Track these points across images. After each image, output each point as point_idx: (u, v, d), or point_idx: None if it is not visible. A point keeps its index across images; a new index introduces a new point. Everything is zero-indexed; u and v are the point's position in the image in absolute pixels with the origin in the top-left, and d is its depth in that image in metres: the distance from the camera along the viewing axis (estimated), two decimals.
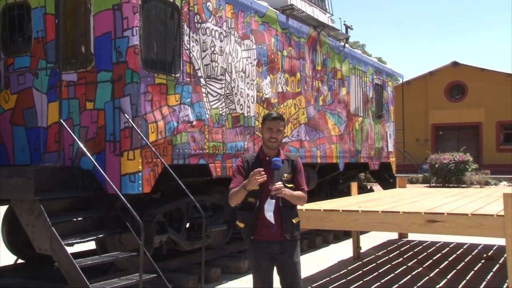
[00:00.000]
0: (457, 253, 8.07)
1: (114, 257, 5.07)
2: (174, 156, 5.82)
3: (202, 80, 6.35)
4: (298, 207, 3.81)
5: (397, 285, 6.10)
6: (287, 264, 3.67)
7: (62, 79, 5.17)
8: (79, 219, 5.10)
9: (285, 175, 3.66)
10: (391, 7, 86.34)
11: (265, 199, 3.55)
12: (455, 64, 29.85)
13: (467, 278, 6.37)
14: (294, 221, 3.68)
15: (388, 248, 8.52)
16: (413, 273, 6.67)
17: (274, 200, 3.51)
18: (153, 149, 5.38)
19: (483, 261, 7.38)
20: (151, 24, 5.66)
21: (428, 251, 8.20)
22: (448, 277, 6.45)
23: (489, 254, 7.78)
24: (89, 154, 5.04)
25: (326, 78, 9.54)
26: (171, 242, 6.27)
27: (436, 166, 21.18)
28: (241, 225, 3.73)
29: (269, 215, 3.51)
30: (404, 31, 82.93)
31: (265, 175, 3.43)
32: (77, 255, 5.78)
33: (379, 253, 8.09)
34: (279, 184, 3.48)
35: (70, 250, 4.65)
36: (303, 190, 3.72)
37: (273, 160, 3.57)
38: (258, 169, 3.45)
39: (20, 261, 6.57)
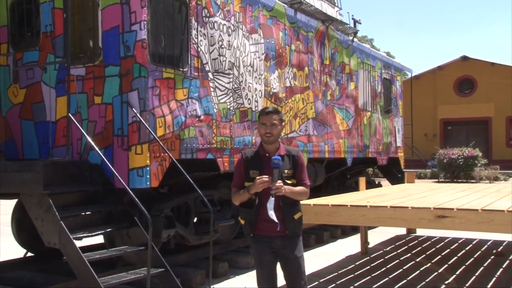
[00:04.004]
0: (466, 248, 8.02)
1: (122, 251, 5.08)
2: (182, 150, 5.81)
3: (210, 75, 6.33)
4: (306, 202, 3.79)
5: (405, 280, 6.07)
6: (290, 258, 3.66)
7: (71, 73, 5.16)
8: (87, 213, 5.11)
9: (286, 171, 3.62)
10: (400, 1, 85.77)
11: (265, 196, 3.53)
12: (464, 58, 29.63)
13: (476, 274, 6.33)
14: (295, 217, 3.66)
15: (396, 244, 8.49)
16: (421, 269, 6.64)
17: (274, 199, 3.50)
18: (161, 144, 5.37)
19: (492, 257, 7.33)
20: (159, 18, 5.64)
21: (437, 247, 8.16)
22: (457, 273, 6.42)
23: (499, 250, 7.73)
24: (97, 149, 5.04)
25: (334, 72, 9.49)
26: (179, 236, 6.28)
27: (445, 161, 21.05)
28: (242, 221, 3.73)
29: (271, 213, 3.50)
30: (413, 25, 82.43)
31: (267, 180, 3.44)
32: (86, 249, 5.79)
33: (387, 249, 8.06)
34: (279, 183, 3.46)
35: (78, 244, 4.66)
36: (305, 185, 3.69)
37: (272, 159, 3.52)
38: (262, 178, 3.45)
39: (29, 254, 6.62)
